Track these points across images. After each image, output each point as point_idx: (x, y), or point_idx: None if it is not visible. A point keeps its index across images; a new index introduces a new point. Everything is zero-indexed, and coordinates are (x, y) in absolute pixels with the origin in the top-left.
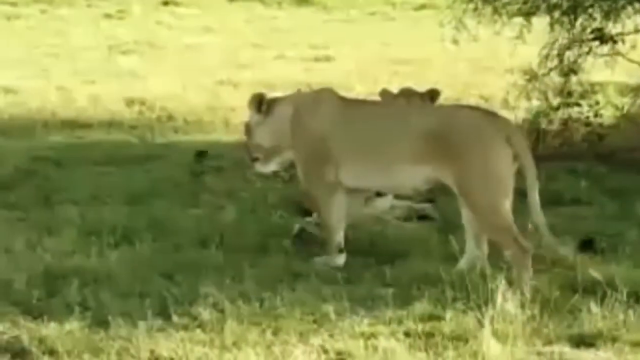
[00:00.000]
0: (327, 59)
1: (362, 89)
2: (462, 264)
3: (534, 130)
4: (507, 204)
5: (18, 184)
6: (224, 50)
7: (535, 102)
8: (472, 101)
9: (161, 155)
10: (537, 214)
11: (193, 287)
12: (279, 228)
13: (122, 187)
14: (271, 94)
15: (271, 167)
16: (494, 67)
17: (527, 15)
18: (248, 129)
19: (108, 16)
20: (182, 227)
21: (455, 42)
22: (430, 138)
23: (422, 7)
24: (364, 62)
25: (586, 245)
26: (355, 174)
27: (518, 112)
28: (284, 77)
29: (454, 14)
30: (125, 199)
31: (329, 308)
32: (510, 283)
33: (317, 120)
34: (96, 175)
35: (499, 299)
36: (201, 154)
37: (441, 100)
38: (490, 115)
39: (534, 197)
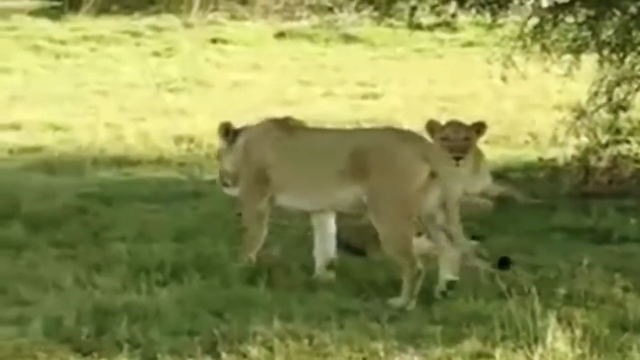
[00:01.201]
0: (375, 96)
1: (409, 126)
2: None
3: (583, 168)
4: (410, 226)
5: (67, 220)
6: (272, 87)
7: (583, 139)
8: (520, 139)
9: (209, 192)
10: (455, 227)
11: (242, 325)
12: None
13: (170, 224)
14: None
15: (237, 191)
16: (542, 104)
17: (576, 52)
18: (219, 156)
19: (156, 54)
20: (230, 264)
21: (503, 79)
22: (355, 158)
23: (470, 44)
24: (411, 99)
25: (503, 263)
26: (296, 195)
27: (566, 149)
28: (332, 114)
29: (502, 51)
30: (173, 236)
31: (378, 346)
32: (560, 321)
33: (260, 151)
34: (144, 212)
35: (549, 337)
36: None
37: (488, 137)
38: (410, 136)
39: (454, 213)
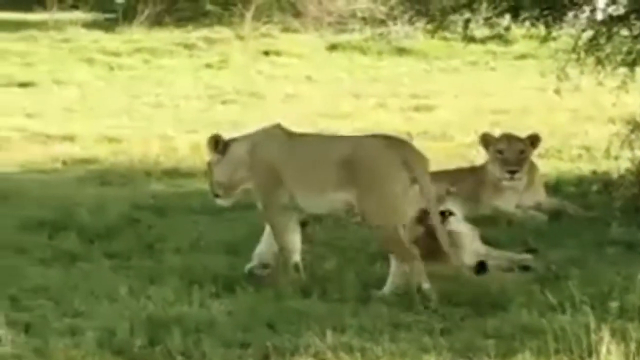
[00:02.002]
0: (428, 108)
1: (462, 139)
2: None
3: (637, 181)
4: (400, 222)
5: (120, 232)
6: (325, 99)
7: (637, 152)
8: (574, 152)
9: None
10: (439, 230)
11: (294, 337)
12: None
13: (223, 236)
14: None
15: (231, 201)
16: (595, 117)
17: (631, 65)
18: (210, 167)
19: (209, 66)
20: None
21: (557, 92)
22: (344, 165)
23: (523, 57)
24: (464, 111)
25: (481, 267)
26: (297, 199)
27: (620, 162)
28: (385, 126)
29: (556, 64)
30: (225, 248)
31: (430, 359)
32: (614, 334)
33: (268, 153)
34: (197, 224)
35: (603, 351)
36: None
37: (541, 150)
38: (392, 142)
39: (435, 215)
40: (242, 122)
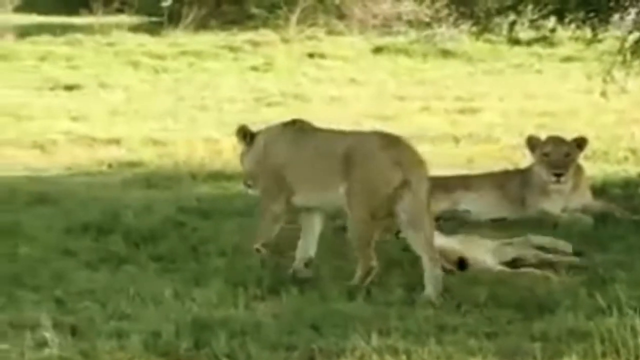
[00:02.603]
0: (472, 111)
1: (507, 141)
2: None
3: None
4: (373, 226)
5: (166, 234)
6: (369, 102)
7: None
8: (620, 154)
9: None
10: (430, 233)
11: (340, 340)
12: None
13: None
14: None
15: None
16: None
17: None
18: (241, 158)
19: (254, 68)
20: (327, 279)
21: (603, 94)
22: (343, 161)
23: (569, 59)
24: (509, 114)
25: (461, 265)
26: (304, 194)
27: None
28: (429, 128)
29: (602, 66)
30: (270, 250)
31: None
32: None
33: (276, 151)
34: (242, 226)
35: None
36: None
37: (587, 152)
38: (389, 141)
39: (427, 220)
40: None
